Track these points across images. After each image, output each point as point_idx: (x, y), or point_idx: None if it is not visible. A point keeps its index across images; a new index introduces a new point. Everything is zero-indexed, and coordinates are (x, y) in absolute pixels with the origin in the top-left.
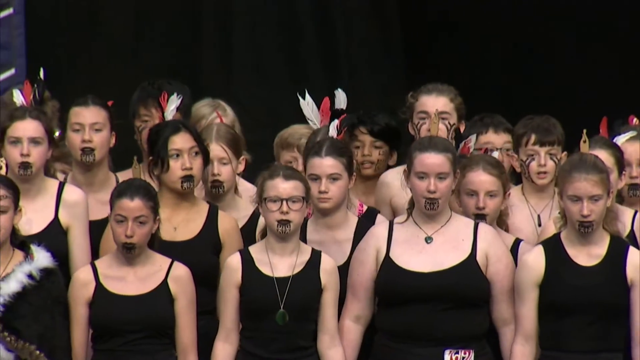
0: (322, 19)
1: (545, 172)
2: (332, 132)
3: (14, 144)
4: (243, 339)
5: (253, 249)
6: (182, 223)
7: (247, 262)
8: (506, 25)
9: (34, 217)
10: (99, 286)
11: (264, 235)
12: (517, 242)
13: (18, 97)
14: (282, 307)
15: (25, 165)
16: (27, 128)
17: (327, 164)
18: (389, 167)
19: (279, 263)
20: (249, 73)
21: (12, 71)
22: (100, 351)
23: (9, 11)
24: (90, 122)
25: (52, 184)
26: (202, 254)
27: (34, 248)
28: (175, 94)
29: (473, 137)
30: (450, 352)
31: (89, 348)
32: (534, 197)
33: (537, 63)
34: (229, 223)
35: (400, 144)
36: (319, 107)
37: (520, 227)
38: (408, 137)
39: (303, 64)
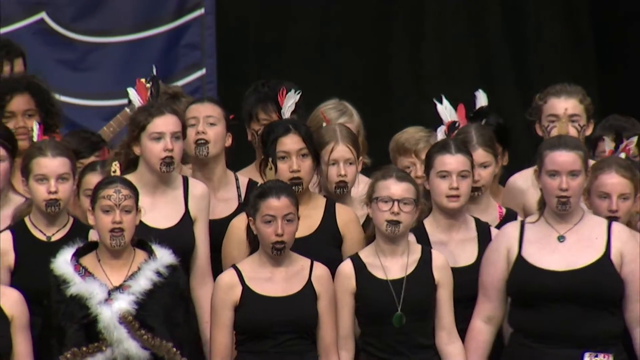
0: (513, 21)
1: None
2: (441, 136)
3: (156, 140)
4: (364, 344)
5: (363, 254)
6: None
7: (359, 267)
8: None
9: (167, 210)
10: (245, 289)
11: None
12: None
13: (133, 96)
14: (399, 309)
15: (168, 161)
16: (169, 123)
17: (459, 160)
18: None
19: (391, 265)
20: (438, 73)
21: (202, 71)
22: (249, 353)
23: (200, 11)
24: (204, 115)
25: (178, 178)
26: (322, 248)
27: (154, 246)
28: (292, 90)
29: (634, 139)
30: (590, 355)
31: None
32: None
33: None
34: (348, 215)
35: (511, 142)
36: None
37: None
38: (536, 139)
39: (491, 64)
